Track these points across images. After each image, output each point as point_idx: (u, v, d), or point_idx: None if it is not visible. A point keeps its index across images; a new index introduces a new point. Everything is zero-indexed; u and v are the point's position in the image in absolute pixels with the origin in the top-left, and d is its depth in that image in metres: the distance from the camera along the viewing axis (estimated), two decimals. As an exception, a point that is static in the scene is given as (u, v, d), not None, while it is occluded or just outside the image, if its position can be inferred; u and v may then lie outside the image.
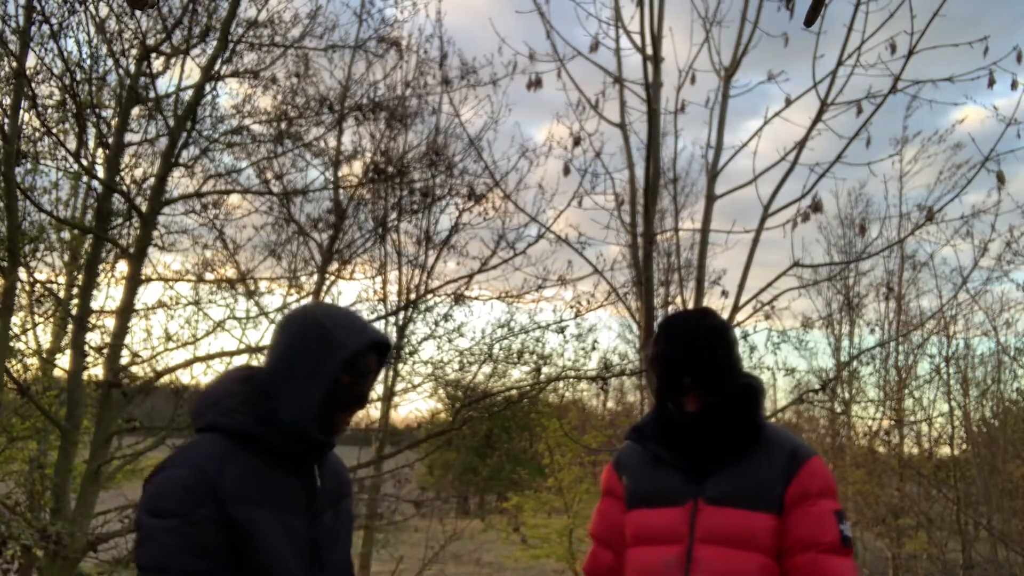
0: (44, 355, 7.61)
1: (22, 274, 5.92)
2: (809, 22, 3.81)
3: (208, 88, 6.26)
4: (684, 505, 1.99)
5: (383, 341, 1.79)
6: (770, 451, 2.00)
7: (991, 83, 4.83)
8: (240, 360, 7.21)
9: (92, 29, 5.80)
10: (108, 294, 7.14)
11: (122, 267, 6.73)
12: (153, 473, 1.64)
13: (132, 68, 6.01)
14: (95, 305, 6.20)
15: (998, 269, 9.85)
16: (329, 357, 1.69)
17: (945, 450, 13.15)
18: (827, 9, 4.59)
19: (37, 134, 6.12)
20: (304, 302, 7.36)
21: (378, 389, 8.74)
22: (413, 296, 7.65)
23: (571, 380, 8.13)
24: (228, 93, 13.87)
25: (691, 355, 2.02)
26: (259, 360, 7.16)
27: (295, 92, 7.10)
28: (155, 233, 6.22)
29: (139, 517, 1.59)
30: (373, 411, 9.75)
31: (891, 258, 13.70)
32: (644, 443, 2.14)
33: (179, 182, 6.85)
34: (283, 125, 7.07)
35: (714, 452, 2.01)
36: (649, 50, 5.34)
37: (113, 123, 6.06)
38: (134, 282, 5.99)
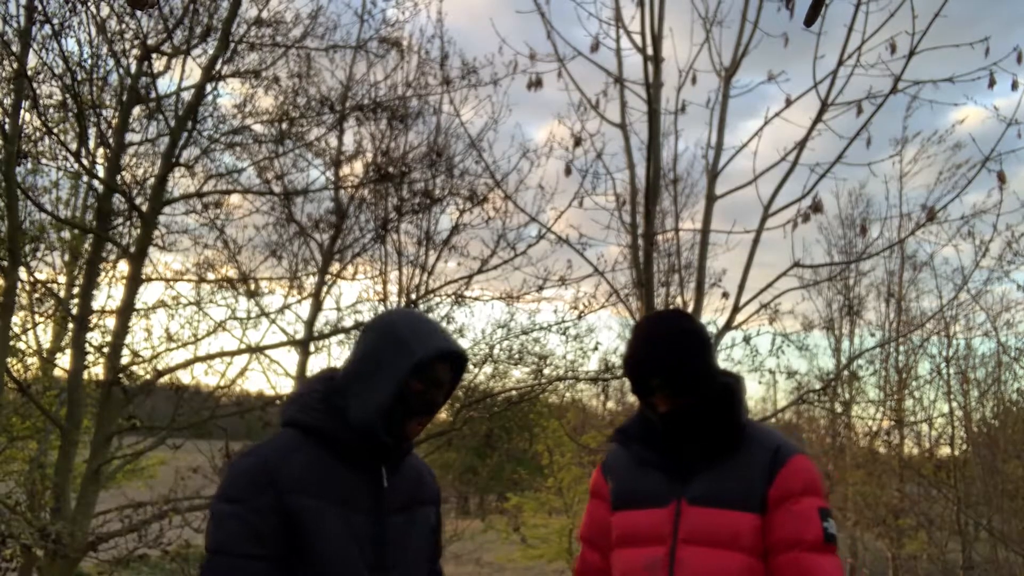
0: (44, 355, 7.62)
1: (22, 274, 5.92)
2: (809, 22, 3.82)
3: (209, 88, 6.27)
4: (667, 506, 1.99)
5: (457, 352, 1.82)
6: (752, 450, 2.00)
7: (991, 83, 4.84)
8: (241, 360, 7.23)
9: (93, 29, 5.81)
10: (109, 294, 7.15)
11: (123, 267, 6.74)
12: (231, 461, 1.78)
13: (133, 68, 6.02)
14: (96, 305, 6.20)
15: (999, 269, 9.85)
16: (400, 362, 1.73)
17: (945, 450, 13.15)
18: (827, 9, 4.60)
19: (38, 134, 6.13)
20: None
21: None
22: (414, 296, 7.64)
23: (571, 381, 8.12)
24: (229, 93, 13.86)
25: (658, 356, 2.02)
26: (260, 361, 7.17)
27: (296, 92, 7.10)
28: (156, 233, 6.23)
29: (213, 501, 1.69)
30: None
31: (891, 258, 13.71)
32: (628, 444, 2.14)
33: (180, 182, 6.86)
34: (284, 125, 7.07)
35: (696, 453, 2.01)
36: (649, 50, 5.34)
37: (114, 123, 6.06)
38: (135, 282, 5.99)
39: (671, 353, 2.01)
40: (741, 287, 5.50)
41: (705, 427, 2.01)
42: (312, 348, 7.51)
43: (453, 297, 7.47)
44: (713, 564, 1.90)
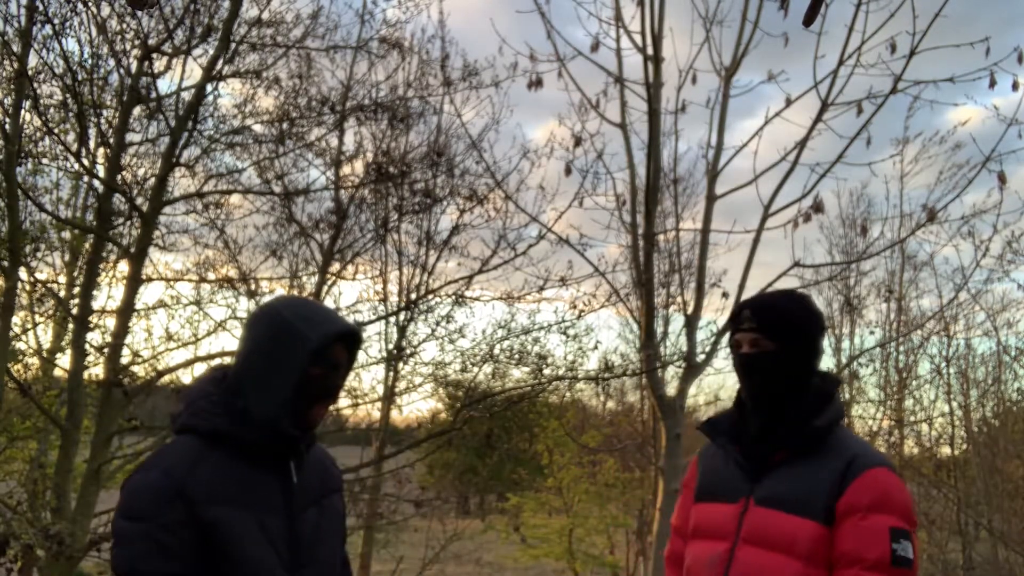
0: (45, 355, 7.62)
1: (23, 274, 5.92)
2: (808, 22, 3.82)
3: (209, 88, 6.26)
4: (737, 503, 1.98)
5: (351, 331, 1.78)
6: (829, 458, 1.92)
7: (992, 84, 4.84)
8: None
9: (94, 29, 5.81)
10: (109, 294, 7.15)
11: (123, 267, 6.74)
12: (128, 477, 1.65)
13: (134, 68, 6.01)
14: (96, 305, 6.19)
15: (999, 269, 9.84)
16: (295, 350, 1.68)
17: (945, 450, 13.16)
18: (828, 9, 4.61)
19: (38, 134, 6.13)
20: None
21: (378, 389, 8.75)
22: (414, 296, 7.65)
23: (571, 380, 8.12)
24: (230, 93, 13.89)
25: (761, 295, 2.19)
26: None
27: (297, 92, 7.10)
28: (156, 233, 6.22)
29: (114, 520, 1.62)
30: (374, 412, 9.76)
31: (892, 258, 13.71)
32: (714, 436, 2.13)
33: (180, 182, 6.86)
34: (285, 125, 7.07)
35: (771, 450, 1.98)
36: (650, 50, 5.35)
37: (114, 123, 6.06)
38: (135, 282, 5.99)
39: (770, 295, 2.17)
40: (741, 287, 5.51)
41: (782, 410, 1.99)
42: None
43: (453, 297, 7.48)
44: (767, 566, 1.87)
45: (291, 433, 1.70)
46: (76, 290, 7.08)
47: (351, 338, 1.79)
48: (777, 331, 1.99)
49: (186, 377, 6.69)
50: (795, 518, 1.88)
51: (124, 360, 6.04)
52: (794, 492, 1.91)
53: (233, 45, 6.27)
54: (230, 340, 7.42)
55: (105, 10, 5.78)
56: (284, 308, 1.76)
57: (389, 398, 8.84)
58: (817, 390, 2.02)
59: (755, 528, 1.92)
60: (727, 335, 2.29)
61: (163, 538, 1.55)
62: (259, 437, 1.68)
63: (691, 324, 5.96)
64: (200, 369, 6.78)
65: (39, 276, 6.80)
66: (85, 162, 5.97)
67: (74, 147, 5.85)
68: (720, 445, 2.09)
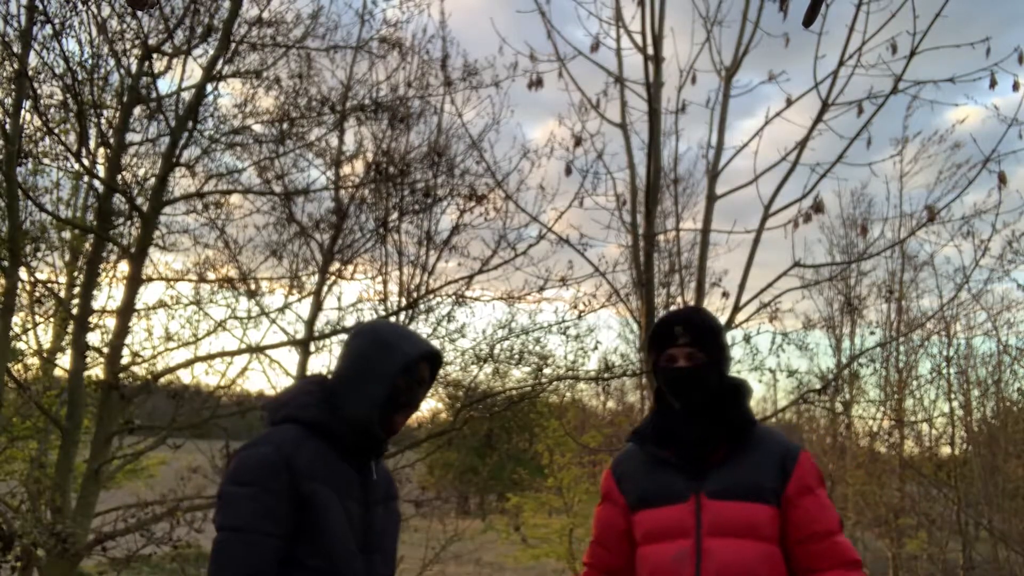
0: (45, 355, 7.62)
1: (23, 274, 5.92)
2: (808, 22, 3.82)
3: (210, 88, 6.26)
4: (687, 501, 2.13)
5: (436, 353, 2.08)
6: (762, 448, 2.16)
7: (992, 84, 4.84)
8: (241, 360, 7.23)
9: (94, 29, 5.82)
10: (109, 294, 7.14)
11: (123, 267, 6.73)
12: (237, 452, 1.91)
13: (134, 68, 6.02)
14: (96, 305, 6.20)
15: (999, 269, 9.83)
16: (390, 363, 1.96)
17: (946, 450, 13.16)
18: (828, 9, 4.60)
19: (38, 134, 6.13)
20: (302, 302, 7.47)
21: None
22: (414, 296, 7.64)
23: (572, 381, 8.11)
24: (230, 93, 13.88)
25: (684, 311, 2.45)
26: (260, 360, 7.18)
27: (297, 92, 7.09)
28: (156, 233, 6.23)
29: (222, 487, 1.86)
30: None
31: (892, 258, 13.71)
32: (643, 445, 2.28)
33: (180, 182, 6.85)
34: (285, 125, 7.06)
35: (710, 450, 2.16)
36: (650, 50, 5.34)
37: (114, 123, 6.06)
38: (135, 282, 5.99)
39: (694, 310, 2.60)
40: (741, 287, 5.49)
41: (719, 413, 2.17)
42: (312, 348, 7.50)
43: (454, 297, 7.46)
44: (737, 552, 2.05)
45: (378, 434, 1.98)
46: (76, 290, 7.08)
47: (434, 359, 2.08)
48: (707, 343, 2.21)
49: (186, 377, 6.69)
50: (751, 504, 2.09)
51: (124, 360, 6.04)
52: (743, 482, 2.11)
53: (233, 45, 6.27)
54: (230, 340, 7.44)
55: (105, 10, 5.79)
56: (383, 327, 2.12)
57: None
58: (736, 384, 2.25)
59: (716, 520, 2.09)
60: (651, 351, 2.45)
61: (270, 502, 1.78)
62: (351, 434, 1.94)
63: (691, 324, 5.93)
64: (200, 369, 6.80)
65: (39, 276, 6.81)
66: (85, 162, 5.97)
67: (74, 147, 5.86)
68: (650, 453, 2.24)
